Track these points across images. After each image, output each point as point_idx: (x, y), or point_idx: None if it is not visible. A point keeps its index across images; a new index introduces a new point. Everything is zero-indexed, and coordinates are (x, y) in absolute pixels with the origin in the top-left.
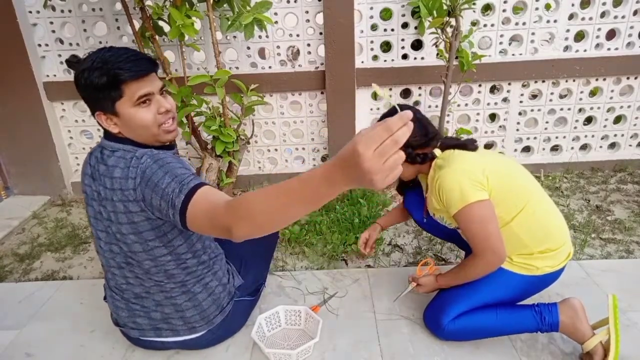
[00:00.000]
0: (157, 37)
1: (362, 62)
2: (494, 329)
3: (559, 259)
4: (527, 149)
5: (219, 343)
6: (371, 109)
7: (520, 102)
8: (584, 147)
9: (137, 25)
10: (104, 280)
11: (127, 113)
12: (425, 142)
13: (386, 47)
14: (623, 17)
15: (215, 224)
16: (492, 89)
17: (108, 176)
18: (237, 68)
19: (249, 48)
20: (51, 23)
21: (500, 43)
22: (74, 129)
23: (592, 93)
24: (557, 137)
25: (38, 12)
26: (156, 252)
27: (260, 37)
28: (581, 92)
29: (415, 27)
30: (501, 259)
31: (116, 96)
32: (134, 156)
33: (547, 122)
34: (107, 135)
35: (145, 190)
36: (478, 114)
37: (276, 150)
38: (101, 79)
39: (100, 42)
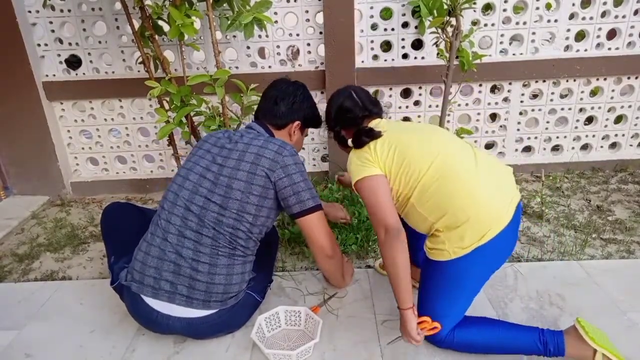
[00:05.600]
0: (156, 36)
1: (362, 61)
2: (495, 349)
3: (470, 239)
4: (527, 149)
5: (219, 335)
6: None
7: (521, 101)
8: (584, 147)
9: (136, 24)
10: (112, 271)
11: (302, 138)
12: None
13: (386, 46)
14: (624, 16)
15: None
16: (493, 89)
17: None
18: (236, 68)
19: (248, 47)
20: (50, 23)
21: (501, 42)
22: (73, 129)
23: (593, 93)
24: (557, 137)
25: (37, 11)
26: (248, 208)
27: (260, 36)
28: (582, 91)
29: (416, 27)
30: (387, 229)
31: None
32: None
33: (547, 122)
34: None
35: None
36: (479, 113)
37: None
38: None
39: (100, 42)
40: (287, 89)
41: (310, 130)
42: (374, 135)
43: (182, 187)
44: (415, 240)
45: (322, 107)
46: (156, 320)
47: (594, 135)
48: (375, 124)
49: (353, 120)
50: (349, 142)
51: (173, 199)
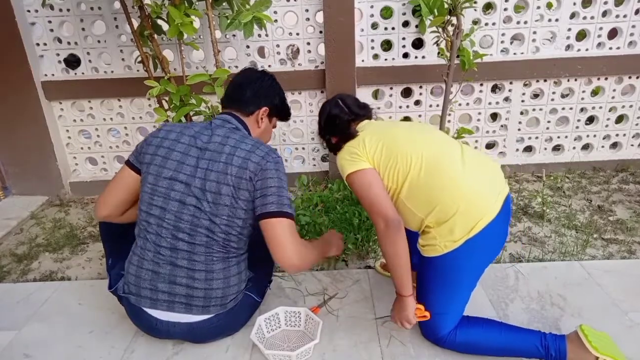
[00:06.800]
0: (155, 35)
1: (363, 61)
2: (496, 350)
3: (460, 231)
4: (528, 149)
5: (219, 338)
6: (372, 108)
7: (522, 101)
8: (585, 146)
9: (135, 24)
10: (110, 273)
11: (270, 126)
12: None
13: (387, 45)
14: (625, 16)
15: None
16: (494, 88)
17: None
18: (236, 67)
19: (248, 47)
20: (49, 22)
21: (502, 42)
22: (72, 129)
23: (594, 92)
24: (558, 137)
25: (36, 10)
26: (237, 213)
27: (259, 35)
28: (583, 91)
29: (416, 26)
30: (387, 221)
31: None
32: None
33: (548, 122)
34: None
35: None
36: (479, 113)
37: (276, 149)
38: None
39: (99, 41)
40: (252, 76)
41: (310, 129)
42: (348, 137)
43: (168, 199)
44: (410, 243)
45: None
46: (156, 328)
47: (595, 135)
48: (362, 125)
49: (341, 125)
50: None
51: (160, 214)
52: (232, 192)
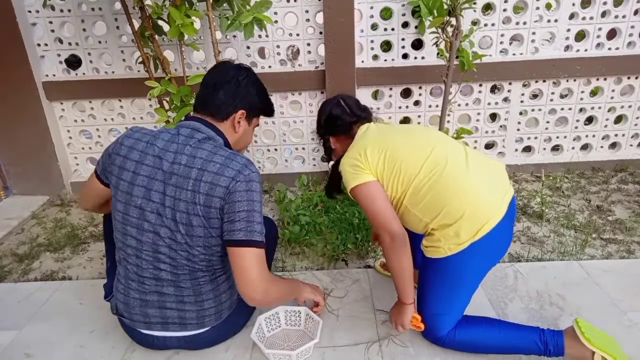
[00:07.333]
0: (156, 36)
1: (362, 61)
2: (495, 348)
3: (465, 235)
4: (527, 149)
5: (218, 343)
6: (371, 109)
7: (521, 101)
8: (584, 147)
9: (136, 24)
10: (108, 277)
11: (250, 129)
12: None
13: (386, 46)
14: (624, 16)
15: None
16: (493, 89)
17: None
18: None
19: (248, 47)
20: (50, 22)
21: (501, 42)
22: (73, 129)
23: (593, 93)
24: (557, 137)
25: (37, 11)
26: (212, 241)
27: (260, 36)
28: (582, 91)
29: (416, 27)
30: (393, 235)
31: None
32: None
33: (547, 122)
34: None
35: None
36: (479, 113)
37: (276, 150)
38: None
39: (100, 42)
40: (227, 74)
41: (310, 129)
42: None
43: (142, 230)
44: (413, 241)
45: None
46: (153, 343)
47: (594, 135)
48: (364, 128)
49: (342, 127)
50: (333, 156)
51: (137, 246)
52: (203, 222)
